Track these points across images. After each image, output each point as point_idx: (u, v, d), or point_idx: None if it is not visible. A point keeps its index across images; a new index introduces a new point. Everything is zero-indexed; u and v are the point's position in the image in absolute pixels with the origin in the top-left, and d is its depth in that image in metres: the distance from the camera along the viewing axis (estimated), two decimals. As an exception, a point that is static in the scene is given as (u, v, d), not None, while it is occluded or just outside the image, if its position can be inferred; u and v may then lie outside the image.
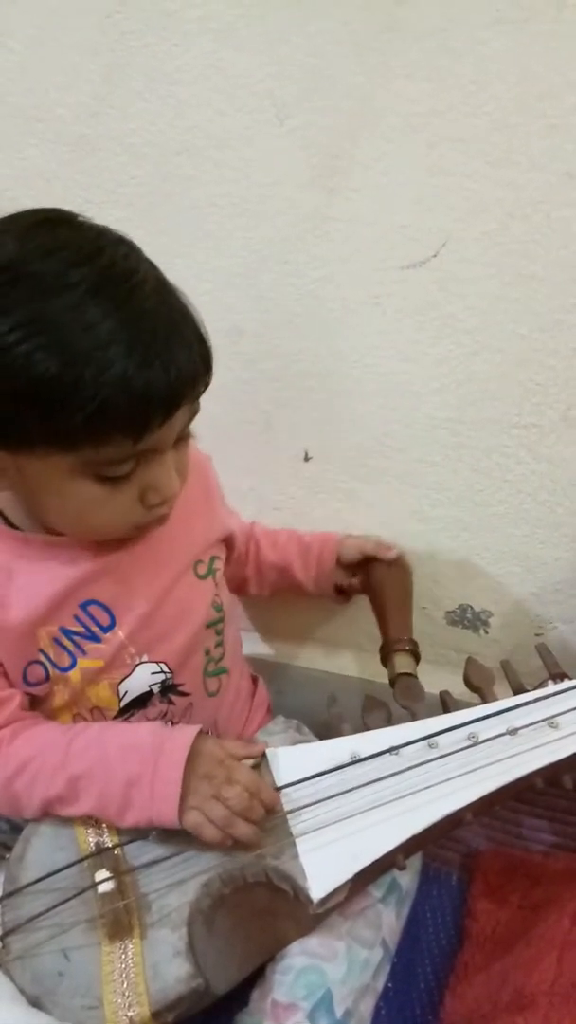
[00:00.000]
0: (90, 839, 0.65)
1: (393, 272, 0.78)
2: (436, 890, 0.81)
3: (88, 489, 0.59)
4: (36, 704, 0.71)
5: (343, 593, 0.89)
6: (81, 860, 0.64)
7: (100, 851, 0.64)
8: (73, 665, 0.68)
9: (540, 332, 0.76)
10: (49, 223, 0.58)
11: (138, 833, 0.65)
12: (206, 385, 0.62)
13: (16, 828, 0.69)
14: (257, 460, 0.91)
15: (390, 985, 0.68)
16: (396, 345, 0.81)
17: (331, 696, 0.74)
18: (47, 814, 0.66)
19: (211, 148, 0.78)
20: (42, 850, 0.65)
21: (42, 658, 0.68)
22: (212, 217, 0.81)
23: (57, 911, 0.62)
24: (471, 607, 0.92)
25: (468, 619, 0.93)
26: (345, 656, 0.99)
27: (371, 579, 0.83)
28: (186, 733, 0.65)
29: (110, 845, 0.65)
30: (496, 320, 0.77)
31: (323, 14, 0.70)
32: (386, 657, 0.76)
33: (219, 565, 0.78)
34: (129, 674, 0.70)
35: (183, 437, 0.64)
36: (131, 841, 0.65)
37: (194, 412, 0.63)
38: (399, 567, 0.84)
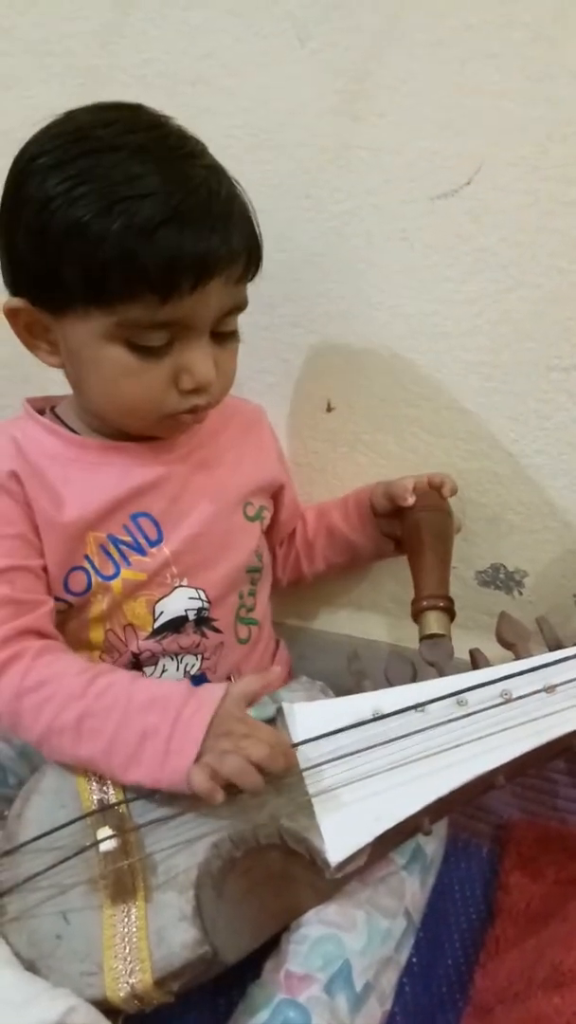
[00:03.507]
0: (93, 796, 0.62)
1: (422, 203, 0.74)
2: (465, 862, 0.76)
3: (121, 356, 0.62)
4: (71, 614, 0.71)
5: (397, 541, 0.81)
6: (83, 817, 0.60)
7: (103, 808, 0.61)
8: (116, 575, 0.69)
9: (581, 264, 0.71)
10: (121, 105, 0.63)
11: (144, 791, 0.61)
12: (250, 273, 0.65)
13: (22, 782, 0.66)
14: (276, 412, 0.87)
15: (415, 960, 0.64)
16: (425, 283, 0.77)
17: (353, 651, 0.70)
18: (43, 748, 0.63)
19: (227, 76, 0.75)
20: (43, 807, 0.62)
21: (86, 564, 0.69)
22: (228, 150, 0.75)
23: (56, 871, 0.58)
24: (504, 567, 0.88)
25: (501, 579, 0.88)
26: (370, 619, 0.95)
27: (407, 524, 0.76)
28: (213, 693, 0.61)
29: (114, 801, 0.61)
30: (534, 253, 0.72)
31: None
32: (417, 614, 0.71)
33: (266, 515, 0.79)
34: (167, 594, 0.71)
35: (227, 334, 0.66)
36: (137, 798, 0.61)
37: (238, 303, 0.65)
38: (440, 511, 0.76)
